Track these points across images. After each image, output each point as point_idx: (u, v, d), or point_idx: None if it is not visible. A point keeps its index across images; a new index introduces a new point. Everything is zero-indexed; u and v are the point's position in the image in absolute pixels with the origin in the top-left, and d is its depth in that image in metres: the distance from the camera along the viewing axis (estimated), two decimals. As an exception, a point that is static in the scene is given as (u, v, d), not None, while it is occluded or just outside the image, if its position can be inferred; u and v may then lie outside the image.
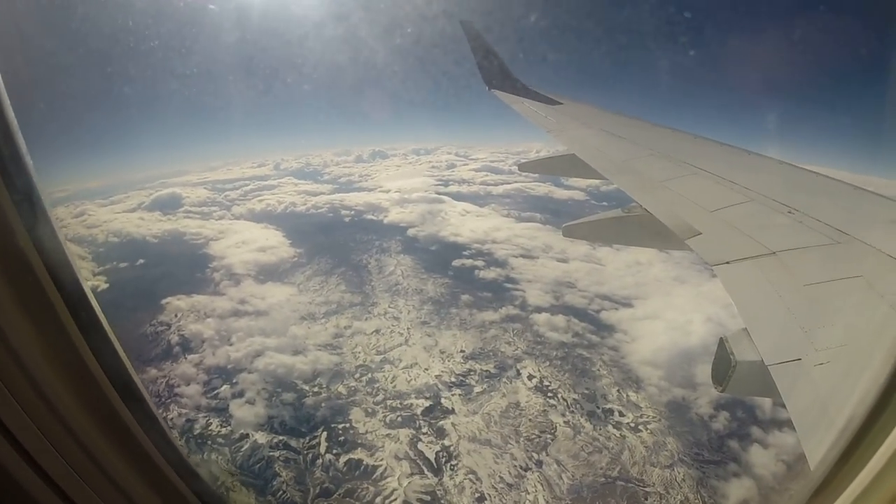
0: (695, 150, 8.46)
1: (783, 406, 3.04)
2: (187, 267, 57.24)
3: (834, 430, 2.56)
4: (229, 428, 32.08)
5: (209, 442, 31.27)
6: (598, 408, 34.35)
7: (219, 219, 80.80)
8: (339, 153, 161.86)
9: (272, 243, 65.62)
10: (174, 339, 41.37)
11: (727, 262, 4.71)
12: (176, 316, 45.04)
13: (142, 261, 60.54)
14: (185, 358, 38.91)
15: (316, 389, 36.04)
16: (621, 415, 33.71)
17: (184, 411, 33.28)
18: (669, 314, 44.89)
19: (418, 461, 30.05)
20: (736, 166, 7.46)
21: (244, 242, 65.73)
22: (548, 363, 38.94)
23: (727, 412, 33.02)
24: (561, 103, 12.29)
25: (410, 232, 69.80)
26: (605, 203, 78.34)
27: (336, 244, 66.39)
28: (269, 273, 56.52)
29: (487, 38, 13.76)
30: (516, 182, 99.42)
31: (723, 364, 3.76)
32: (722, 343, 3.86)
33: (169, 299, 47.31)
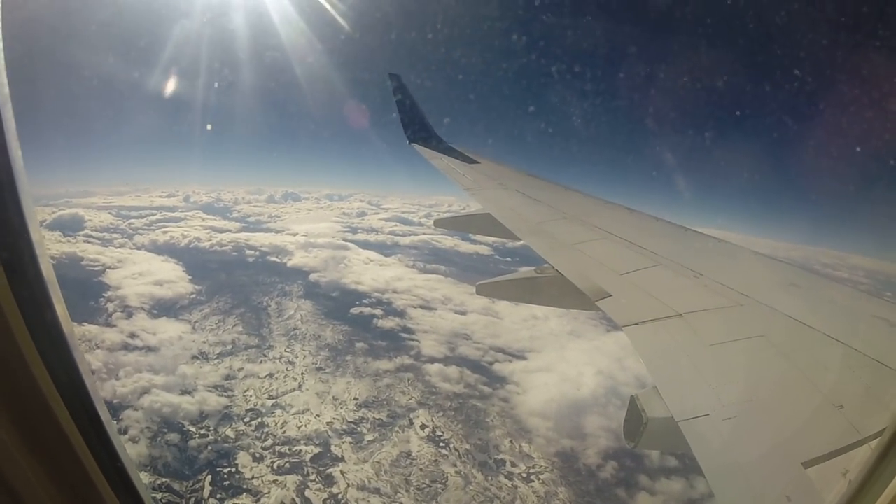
0: (606, 215, 8.83)
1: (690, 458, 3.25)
2: (81, 294, 54.39)
3: (743, 481, 2.93)
4: None
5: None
6: (490, 458, 34.89)
7: (119, 246, 78.28)
8: (253, 191, 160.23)
9: (171, 277, 63.80)
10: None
11: (636, 324, 4.76)
12: None
13: None
14: None
15: (203, 431, 35.14)
16: (513, 465, 34.28)
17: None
18: (562, 367, 46.33)
19: (305, 509, 29.58)
20: (645, 232, 7.78)
21: (142, 274, 63.76)
22: (441, 413, 39.40)
23: (615, 461, 34.26)
24: (478, 162, 12.63)
25: (313, 277, 69.54)
26: (509, 259, 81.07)
27: (237, 284, 65.41)
28: (164, 308, 55.00)
29: (413, 93, 14.02)
30: (424, 234, 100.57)
31: (634, 421, 3.80)
32: (633, 401, 3.87)
33: None
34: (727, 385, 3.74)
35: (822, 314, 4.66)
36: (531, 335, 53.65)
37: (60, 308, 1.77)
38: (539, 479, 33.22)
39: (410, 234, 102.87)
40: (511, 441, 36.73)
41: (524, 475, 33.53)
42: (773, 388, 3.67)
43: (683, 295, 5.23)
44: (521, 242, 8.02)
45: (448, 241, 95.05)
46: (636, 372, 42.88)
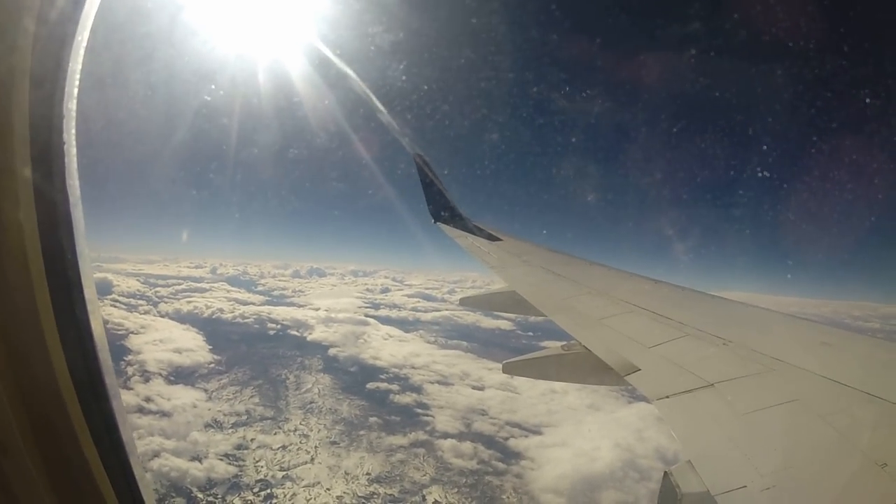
0: (631, 288, 8.52)
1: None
2: None
3: None
4: None
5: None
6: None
7: (144, 313, 79.25)
8: (279, 266, 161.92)
9: (191, 346, 64.22)
10: None
11: (667, 397, 4.56)
12: None
13: None
14: None
15: (210, 498, 34.78)
16: None
17: None
18: (579, 441, 45.34)
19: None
20: (670, 302, 7.55)
21: (163, 341, 64.33)
22: (455, 489, 38.52)
23: None
24: (501, 239, 12.30)
25: (332, 351, 69.38)
26: (531, 333, 79.82)
27: (257, 356, 65.60)
28: (181, 375, 55.29)
29: (438, 173, 13.98)
30: (446, 310, 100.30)
31: (669, 497, 3.51)
32: (666, 476, 3.57)
33: None
34: (764, 454, 3.58)
35: (855, 371, 4.45)
36: (549, 409, 52.96)
37: (92, 304, 1.73)
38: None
39: (433, 311, 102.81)
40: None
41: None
42: (812, 453, 3.49)
43: (713, 364, 5.03)
44: (544, 317, 7.80)
45: (470, 317, 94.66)
46: (656, 444, 42.19)
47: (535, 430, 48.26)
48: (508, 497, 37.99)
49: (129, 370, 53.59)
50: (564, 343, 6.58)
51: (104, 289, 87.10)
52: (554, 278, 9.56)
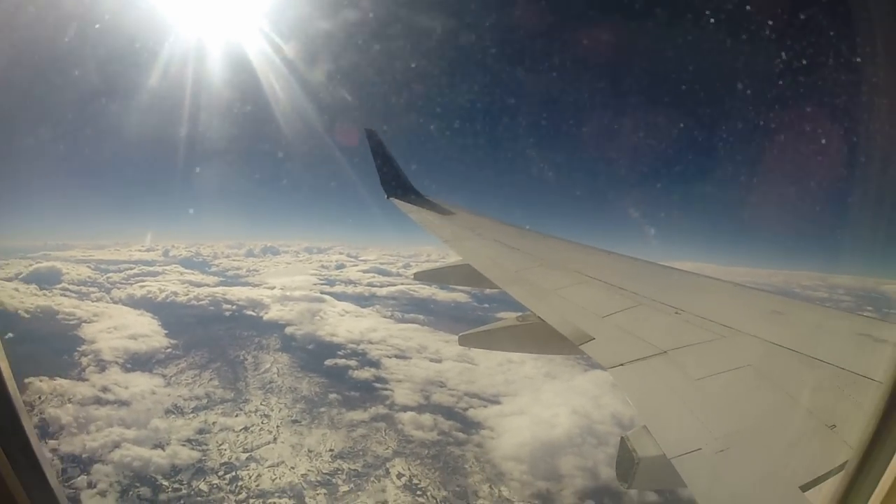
0: (584, 259, 8.82)
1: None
2: (55, 347, 54.31)
3: None
4: None
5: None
6: None
7: (96, 300, 77.54)
8: (232, 245, 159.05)
9: (146, 331, 63.29)
10: (33, 421, 38.62)
11: (621, 364, 4.70)
12: (39, 398, 42.63)
13: (10, 335, 57.18)
14: (45, 442, 36.39)
15: (175, 485, 34.84)
16: None
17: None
18: (537, 409, 46.51)
19: (279, 562, 29.16)
20: (623, 273, 7.77)
21: (117, 328, 63.14)
22: (418, 461, 39.28)
23: (592, 500, 34.53)
24: (454, 213, 12.66)
25: (289, 330, 69.27)
26: (486, 305, 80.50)
27: (213, 338, 65.01)
28: (138, 362, 54.52)
29: (389, 148, 14.18)
30: (402, 284, 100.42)
31: (626, 462, 3.74)
32: (623, 442, 3.80)
33: (31, 380, 44.69)
34: (717, 417, 3.78)
35: (805, 337, 4.73)
36: (506, 379, 53.91)
37: None
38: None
39: (388, 285, 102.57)
40: (490, 486, 36.73)
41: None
42: (764, 416, 3.69)
43: (666, 332, 5.28)
44: (499, 289, 8.09)
45: (425, 291, 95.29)
46: (612, 410, 43.44)
47: (493, 400, 49.31)
48: (471, 466, 38.84)
49: (84, 361, 52.76)
50: (519, 314, 6.85)
51: (53, 278, 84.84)
52: (507, 251, 9.81)
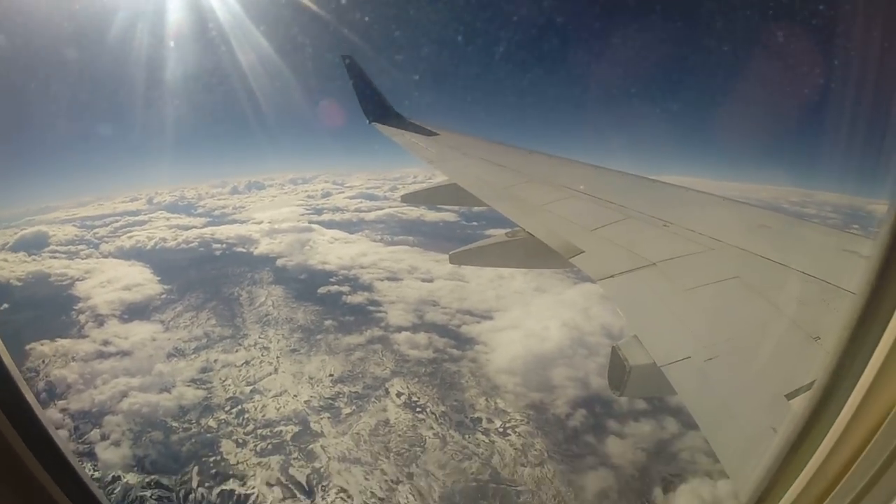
0: (571, 174, 8.88)
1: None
2: (52, 310, 54.79)
3: (729, 417, 3.02)
4: (99, 473, 31.48)
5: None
6: (466, 417, 36.04)
7: (86, 258, 77.52)
8: (216, 185, 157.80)
9: (139, 281, 63.71)
10: (40, 385, 39.82)
11: (611, 276, 4.80)
12: (43, 362, 43.43)
13: (5, 305, 58.24)
14: (54, 404, 37.63)
15: (185, 425, 35.87)
16: (489, 421, 35.43)
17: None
18: (528, 323, 47.45)
19: (290, 485, 30.67)
20: (611, 186, 7.81)
21: (110, 281, 63.49)
22: (416, 379, 40.43)
23: (584, 409, 35.66)
24: (438, 134, 12.57)
25: (280, 262, 70.00)
26: (475, 223, 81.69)
27: (207, 279, 65.55)
28: (135, 312, 55.11)
29: (368, 72, 14.06)
30: (390, 208, 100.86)
31: (618, 370, 3.82)
32: (614, 351, 3.91)
33: (33, 345, 45.42)
34: (706, 327, 3.86)
35: (792, 251, 4.77)
36: (497, 295, 54.94)
37: None
38: (515, 433, 34.43)
39: (376, 210, 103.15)
40: (486, 399, 37.85)
41: (500, 430, 34.73)
42: (751, 326, 3.76)
43: (655, 244, 5.32)
44: (487, 207, 8.15)
45: (414, 213, 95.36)
46: (602, 321, 44.50)
47: (485, 316, 50.34)
48: (467, 381, 40.05)
49: (82, 318, 53.24)
50: (509, 230, 7.00)
51: (40, 242, 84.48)
52: (494, 168, 9.91)
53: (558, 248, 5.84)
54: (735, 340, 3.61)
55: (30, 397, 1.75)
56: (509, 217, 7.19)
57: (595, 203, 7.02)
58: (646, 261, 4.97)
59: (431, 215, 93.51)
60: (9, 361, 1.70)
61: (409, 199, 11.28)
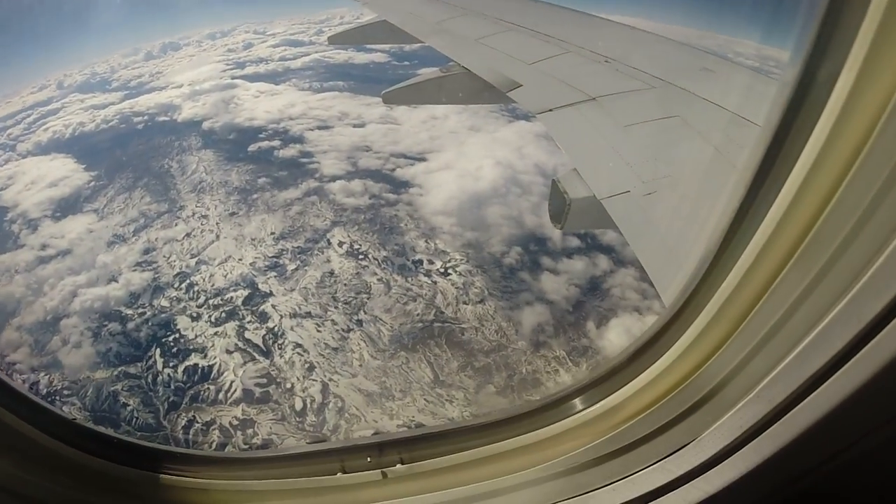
0: (508, 7, 8.60)
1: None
2: None
3: (665, 249, 3.07)
4: (68, 379, 32.13)
5: (57, 399, 30.74)
6: (407, 260, 37.05)
7: (4, 163, 72.28)
8: (128, 53, 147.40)
9: (64, 173, 60.87)
10: None
11: (550, 110, 4.88)
12: None
13: None
14: (9, 324, 37.03)
15: (139, 311, 36.23)
16: (430, 263, 36.53)
17: (23, 377, 32.31)
18: (461, 163, 47.82)
19: (248, 349, 31.80)
20: (550, 21, 7.65)
21: (34, 182, 60.29)
22: (356, 227, 40.87)
23: (518, 247, 36.83)
24: None
25: (206, 125, 67.26)
26: (406, 63, 78.18)
27: (133, 156, 63.28)
28: (66, 207, 53.13)
29: None
30: (316, 53, 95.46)
31: (558, 204, 3.93)
32: (554, 184, 4.01)
33: None
34: (645, 163, 3.92)
35: (733, 96, 4.78)
36: (430, 136, 54.38)
37: None
38: (456, 272, 35.58)
39: (302, 56, 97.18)
40: (425, 241, 38.76)
41: (441, 270, 35.87)
42: (690, 165, 3.89)
43: (595, 80, 5.35)
44: (420, 45, 8.14)
45: (341, 56, 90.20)
46: (535, 160, 44.73)
47: (419, 158, 50.17)
48: (405, 224, 40.70)
49: (14, 228, 50.98)
50: (443, 66, 7.16)
51: None
52: (426, 2, 9.76)
53: (495, 83, 5.93)
54: (674, 178, 3.79)
55: None
56: (443, 52, 7.33)
57: (534, 37, 7.01)
58: (586, 95, 5.03)
59: (361, 57, 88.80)
60: None
61: (337, 39, 11.09)
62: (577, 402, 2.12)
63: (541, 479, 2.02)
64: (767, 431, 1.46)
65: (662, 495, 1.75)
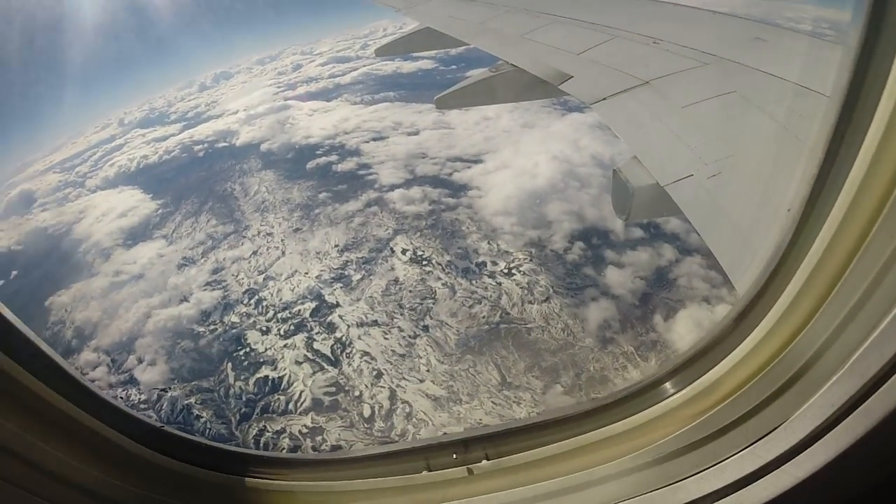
0: (549, 0, 8.35)
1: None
2: (59, 260, 54.95)
3: (733, 232, 2.96)
4: (144, 395, 32.81)
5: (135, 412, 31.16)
6: (471, 263, 36.72)
7: (76, 199, 75.76)
8: (182, 87, 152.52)
9: (132, 204, 63.26)
10: (69, 333, 40.57)
11: (604, 99, 4.67)
12: (65, 311, 43.77)
13: (14, 273, 57.51)
14: (87, 346, 38.29)
15: (211, 328, 36.89)
16: (494, 264, 36.11)
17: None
18: (518, 161, 47.37)
19: (317, 360, 31.94)
20: (593, 9, 7.46)
21: (104, 214, 62.98)
22: (417, 234, 40.86)
23: (581, 242, 36.37)
24: None
25: (264, 147, 68.92)
26: (454, 66, 78.59)
27: (197, 182, 65.17)
28: (135, 235, 55.12)
29: None
30: (363, 66, 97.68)
31: (621, 194, 3.78)
32: (616, 174, 3.86)
33: (51, 299, 45.59)
34: (706, 144, 3.71)
35: (791, 65, 4.51)
36: (485, 137, 54.38)
37: None
38: (520, 272, 35.13)
39: (350, 71, 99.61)
40: (487, 242, 38.43)
41: (505, 271, 35.45)
42: (753, 142, 3.66)
43: (646, 63, 5.15)
44: (465, 47, 8.08)
45: (389, 67, 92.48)
46: (592, 151, 44.39)
47: (475, 160, 50.04)
48: (466, 228, 40.45)
49: (89, 258, 53.19)
50: (491, 66, 6.86)
51: (27, 200, 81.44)
52: (466, 4, 9.60)
53: (545, 76, 5.65)
54: (737, 157, 3.54)
55: (59, 360, 1.84)
56: (490, 51, 6.99)
57: (578, 26, 6.71)
58: (638, 80, 4.81)
59: (408, 66, 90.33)
60: (27, 332, 1.77)
61: (383, 51, 11.07)
62: (663, 389, 2.12)
63: (628, 469, 2.02)
64: (860, 408, 1.39)
65: (752, 482, 1.71)
